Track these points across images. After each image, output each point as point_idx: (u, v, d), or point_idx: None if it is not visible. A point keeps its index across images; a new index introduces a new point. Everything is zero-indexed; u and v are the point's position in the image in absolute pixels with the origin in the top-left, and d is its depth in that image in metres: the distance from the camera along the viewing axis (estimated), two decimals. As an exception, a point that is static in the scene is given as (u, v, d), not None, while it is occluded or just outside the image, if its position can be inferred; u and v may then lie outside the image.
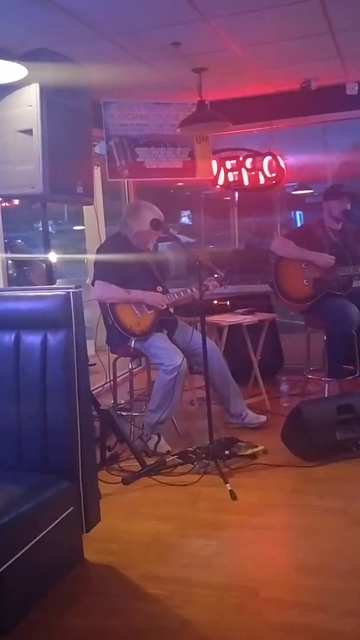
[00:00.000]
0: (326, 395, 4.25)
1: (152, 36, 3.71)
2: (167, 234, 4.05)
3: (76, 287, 2.41)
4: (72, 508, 2.42)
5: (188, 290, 3.88)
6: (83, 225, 6.02)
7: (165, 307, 3.87)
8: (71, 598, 2.32)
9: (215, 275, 3.88)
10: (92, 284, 3.85)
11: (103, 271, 3.78)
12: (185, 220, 7.08)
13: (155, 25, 3.54)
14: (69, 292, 2.39)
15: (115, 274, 3.75)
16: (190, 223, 6.96)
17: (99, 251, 3.95)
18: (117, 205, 5.79)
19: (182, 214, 7.08)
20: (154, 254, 4.12)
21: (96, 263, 3.85)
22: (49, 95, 3.02)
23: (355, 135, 5.62)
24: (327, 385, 4.34)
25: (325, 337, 4.36)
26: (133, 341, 3.77)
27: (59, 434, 2.42)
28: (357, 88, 5.06)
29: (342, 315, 4.20)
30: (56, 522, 2.31)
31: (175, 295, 3.90)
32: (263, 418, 4.03)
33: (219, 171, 5.65)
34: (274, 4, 3.33)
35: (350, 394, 3.73)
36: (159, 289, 3.90)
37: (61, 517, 2.34)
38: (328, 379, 4.35)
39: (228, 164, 5.66)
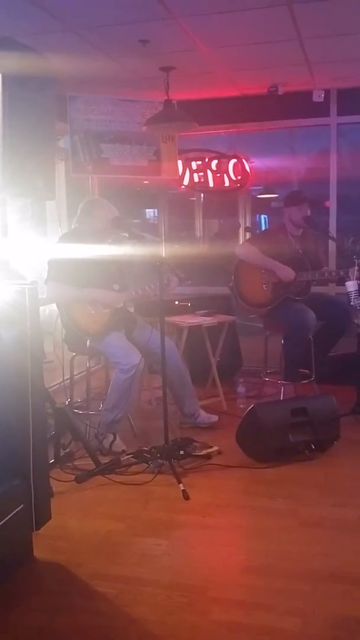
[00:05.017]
0: (281, 398, 4.30)
1: (119, 32, 3.68)
2: (130, 232, 4.00)
3: (32, 283, 2.39)
4: (22, 506, 2.40)
5: (146, 287, 3.82)
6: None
7: (122, 305, 3.84)
8: (18, 596, 2.30)
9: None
10: (45, 283, 3.78)
11: (54, 271, 3.72)
12: (150, 218, 7.05)
13: (123, 21, 3.52)
14: (24, 288, 2.36)
15: (68, 273, 3.69)
16: (156, 222, 6.94)
17: (51, 250, 3.89)
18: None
19: (148, 213, 7.05)
20: (114, 251, 4.05)
21: (49, 262, 3.79)
22: (11, 86, 2.96)
23: (321, 141, 5.68)
24: (282, 388, 4.39)
25: (282, 341, 4.41)
26: (88, 341, 3.75)
27: (10, 431, 2.39)
28: (323, 95, 5.11)
29: (299, 320, 4.25)
30: (5, 519, 2.28)
31: (133, 292, 3.86)
32: (214, 418, 4.06)
33: (184, 171, 5.65)
34: (243, 7, 3.34)
35: (305, 398, 3.79)
36: (115, 286, 3.85)
37: (10, 515, 2.32)
38: (284, 382, 4.40)
39: (194, 165, 5.67)
